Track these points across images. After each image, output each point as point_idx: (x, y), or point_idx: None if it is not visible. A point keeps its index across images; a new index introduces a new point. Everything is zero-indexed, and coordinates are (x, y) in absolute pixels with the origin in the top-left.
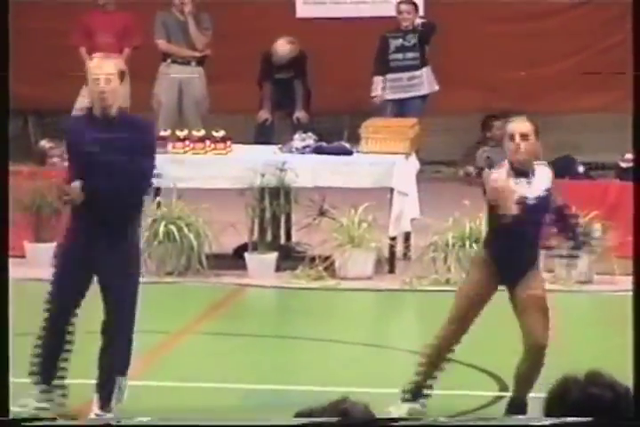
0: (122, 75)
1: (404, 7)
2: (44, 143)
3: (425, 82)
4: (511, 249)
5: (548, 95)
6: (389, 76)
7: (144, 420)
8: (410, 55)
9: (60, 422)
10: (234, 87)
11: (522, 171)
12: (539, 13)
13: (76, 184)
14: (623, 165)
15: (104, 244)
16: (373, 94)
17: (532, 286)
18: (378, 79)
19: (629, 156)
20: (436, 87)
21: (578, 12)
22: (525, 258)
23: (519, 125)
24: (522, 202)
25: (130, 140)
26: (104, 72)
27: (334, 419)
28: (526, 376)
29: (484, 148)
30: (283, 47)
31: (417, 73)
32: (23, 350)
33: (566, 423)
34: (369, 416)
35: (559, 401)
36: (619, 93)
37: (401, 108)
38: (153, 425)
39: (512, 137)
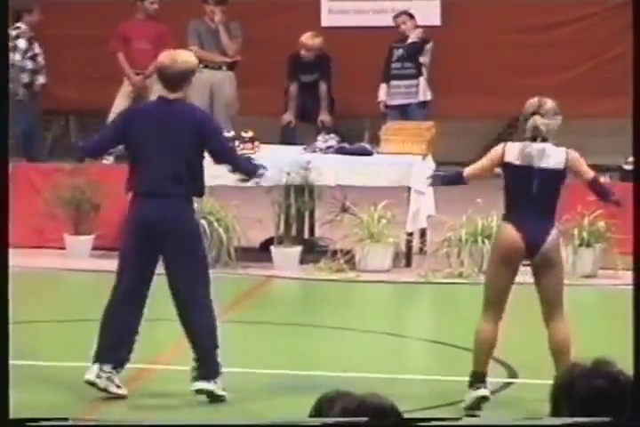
0: None
1: (398, 20)
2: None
3: (420, 91)
4: None
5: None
6: (391, 83)
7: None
8: (407, 65)
9: (67, 422)
10: (262, 91)
11: None
12: (548, 25)
13: None
14: (626, 167)
15: None
16: (378, 100)
17: None
18: (382, 86)
19: (632, 159)
20: (429, 97)
21: (584, 24)
22: None
23: None
24: None
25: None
26: None
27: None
28: None
29: None
30: (311, 39)
31: (414, 82)
32: (74, 335)
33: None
34: (392, 406)
35: (565, 393)
36: (622, 100)
37: (402, 114)
38: (157, 425)
39: None
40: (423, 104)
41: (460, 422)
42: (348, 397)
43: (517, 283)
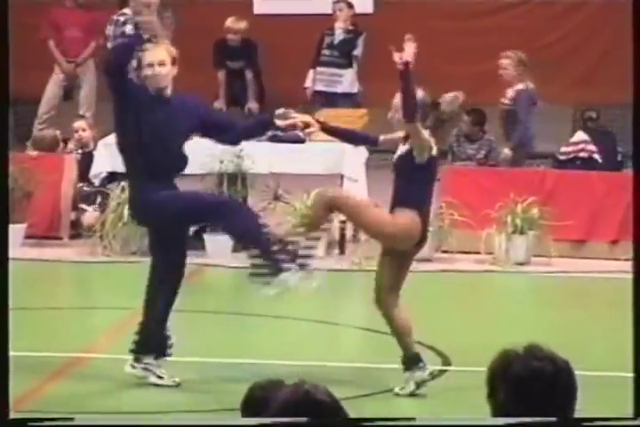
0: (174, 60)
1: (336, 6)
2: (57, 134)
3: (346, 81)
4: None
5: (491, 88)
6: (318, 69)
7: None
8: (336, 53)
9: (67, 422)
10: (194, 78)
11: None
12: (482, 11)
13: None
14: (561, 157)
15: None
16: (305, 85)
17: None
18: (310, 72)
19: (564, 149)
20: (357, 89)
21: (519, 11)
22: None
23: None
24: None
25: (185, 118)
26: (157, 58)
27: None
28: None
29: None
30: (235, 23)
31: (341, 71)
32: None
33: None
34: (330, 397)
35: (501, 375)
36: (558, 87)
37: (329, 102)
38: (158, 425)
39: None
40: (349, 95)
41: (445, 422)
42: (288, 388)
43: (443, 270)
